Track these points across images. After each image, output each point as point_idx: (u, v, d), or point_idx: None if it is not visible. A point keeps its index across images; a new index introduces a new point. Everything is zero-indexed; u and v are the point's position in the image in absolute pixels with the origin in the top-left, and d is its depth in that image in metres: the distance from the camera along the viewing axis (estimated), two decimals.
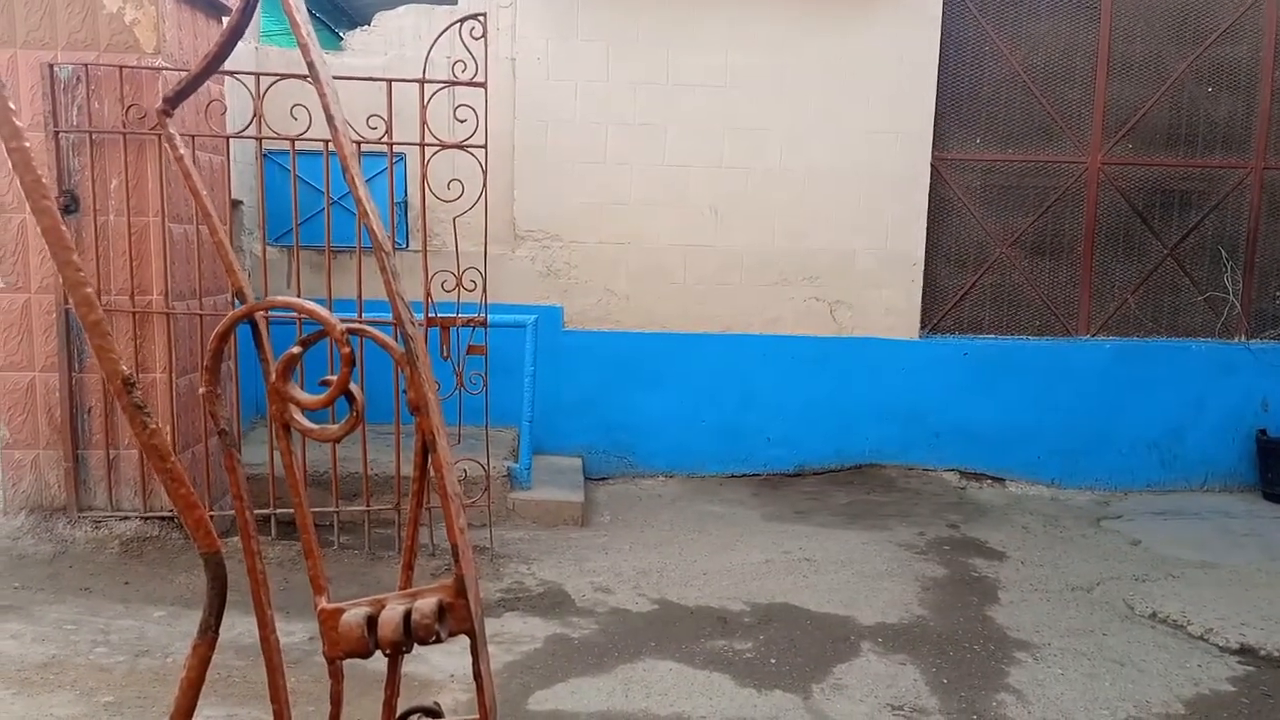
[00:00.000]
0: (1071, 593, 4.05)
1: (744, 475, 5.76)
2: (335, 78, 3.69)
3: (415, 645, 0.91)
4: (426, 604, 0.90)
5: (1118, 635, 3.62)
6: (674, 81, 5.54)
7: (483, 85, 3.99)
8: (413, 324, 0.93)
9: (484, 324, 4.09)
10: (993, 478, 5.74)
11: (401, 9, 5.64)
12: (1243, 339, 5.85)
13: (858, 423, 5.80)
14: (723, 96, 5.56)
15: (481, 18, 4.00)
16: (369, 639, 0.90)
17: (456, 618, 0.92)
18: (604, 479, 5.62)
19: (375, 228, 0.92)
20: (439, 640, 0.91)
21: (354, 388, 0.94)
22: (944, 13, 5.55)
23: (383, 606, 0.91)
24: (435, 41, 4.09)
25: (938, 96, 5.63)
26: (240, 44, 4.86)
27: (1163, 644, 3.56)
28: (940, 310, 5.85)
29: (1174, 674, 3.30)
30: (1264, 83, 5.75)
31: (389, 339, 0.98)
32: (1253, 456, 5.75)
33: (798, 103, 5.58)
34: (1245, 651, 3.50)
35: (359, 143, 4.02)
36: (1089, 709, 3.03)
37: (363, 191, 0.92)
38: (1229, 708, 3.08)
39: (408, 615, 0.89)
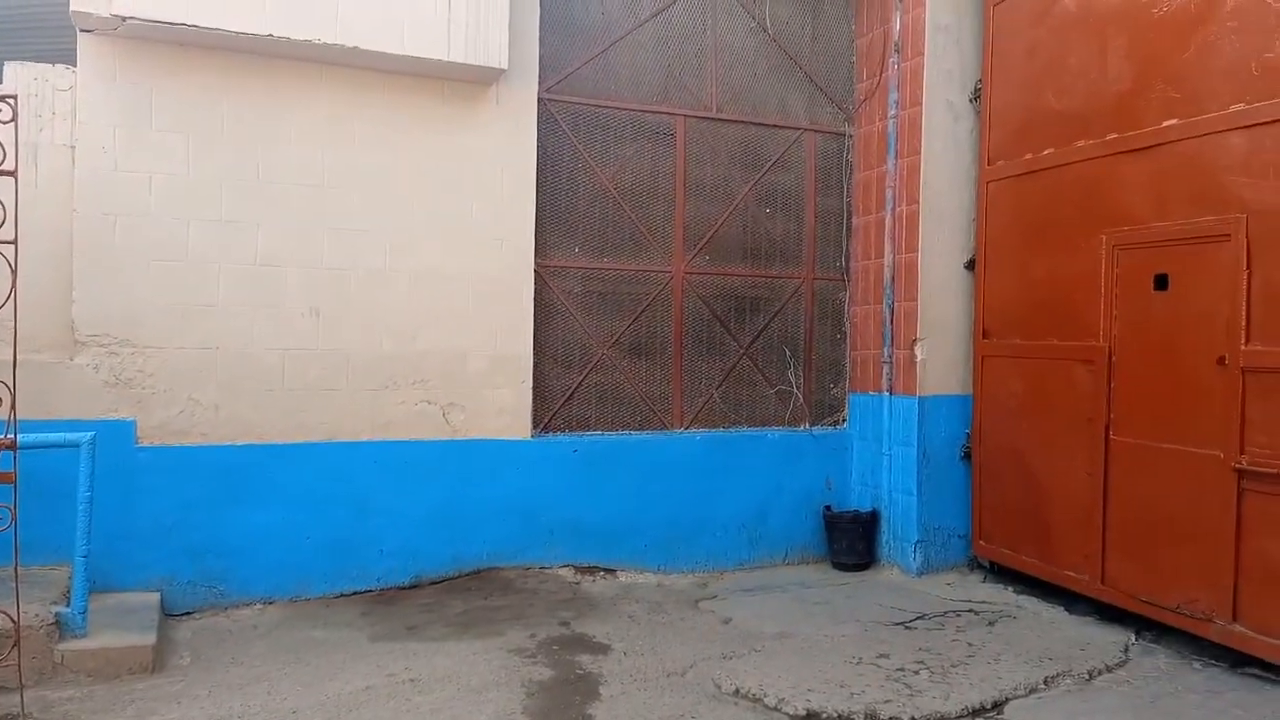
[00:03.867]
0: (668, 679, 4.22)
1: (356, 593, 5.41)
2: None
3: None
4: None
5: (705, 717, 3.81)
6: (266, 178, 5.27)
7: (12, 174, 3.48)
8: None
9: (12, 446, 3.47)
10: (605, 570, 5.93)
11: None
12: (807, 426, 6.67)
13: (476, 526, 5.73)
14: (321, 195, 5.38)
15: (11, 100, 3.51)
16: None
17: None
18: (189, 614, 4.98)
19: None
20: None
21: None
22: (539, 129, 5.88)
23: None
24: None
25: (538, 206, 5.89)
26: None
27: (742, 719, 3.80)
28: (551, 409, 6.02)
29: None
30: (809, 206, 6.73)
31: None
32: (822, 530, 6.51)
33: (403, 205, 5.56)
34: (810, 716, 3.84)
35: None
36: None
37: None
38: None
39: None
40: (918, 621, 5.10)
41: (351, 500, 5.45)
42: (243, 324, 5.22)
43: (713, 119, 6.45)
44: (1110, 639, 4.79)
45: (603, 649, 4.60)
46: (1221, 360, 4.48)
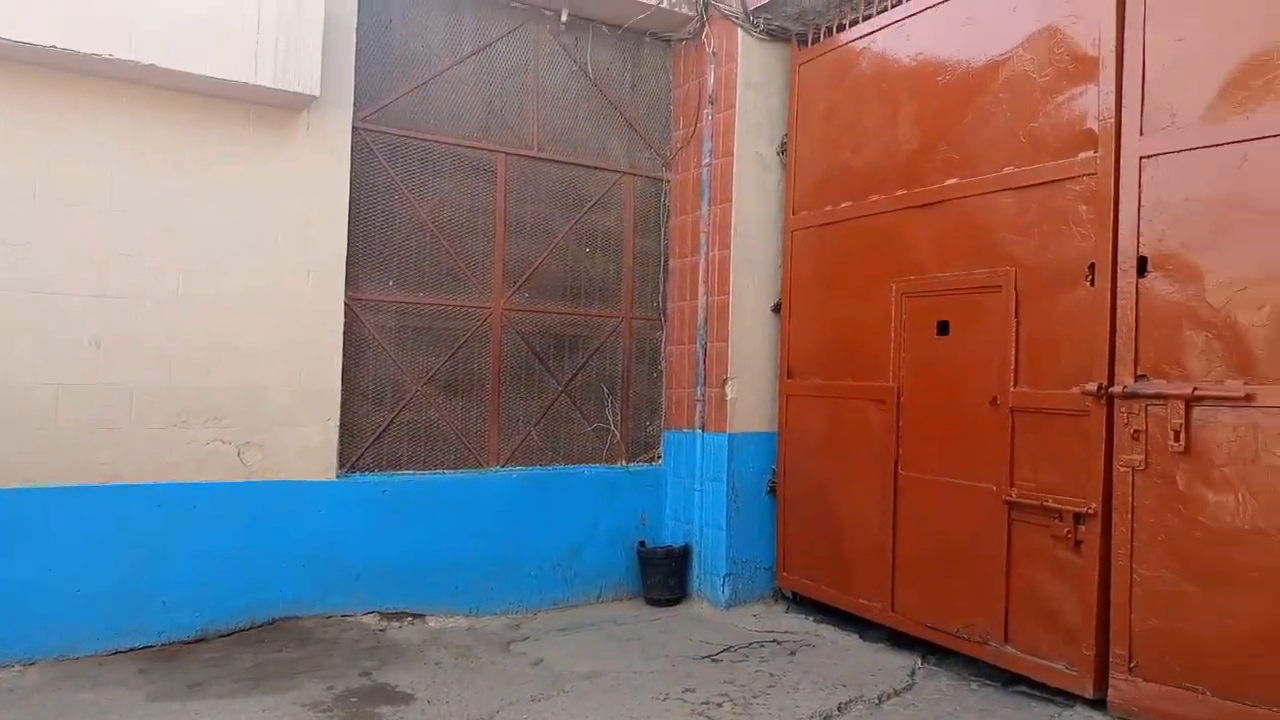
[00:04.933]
0: None
1: (134, 650, 4.98)
2: None
3: None
4: None
5: None
6: (47, 198, 4.86)
7: None
8: None
9: None
10: (414, 615, 5.73)
11: None
12: (623, 463, 6.74)
13: (272, 574, 5.41)
14: (111, 218, 5.01)
15: None
16: None
17: None
18: None
19: None
20: None
21: None
22: (354, 159, 5.73)
23: None
24: None
25: (350, 238, 5.72)
26: None
27: None
28: (359, 448, 5.81)
29: None
30: (628, 247, 6.87)
31: None
32: (637, 566, 6.57)
33: (203, 232, 5.26)
34: None
35: None
36: None
37: None
38: None
39: None
40: (724, 654, 5.22)
41: (131, 549, 5.03)
42: (11, 355, 4.76)
43: (534, 158, 6.49)
44: (899, 664, 5.06)
45: (405, 699, 4.44)
46: (994, 401, 4.87)
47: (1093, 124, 4.49)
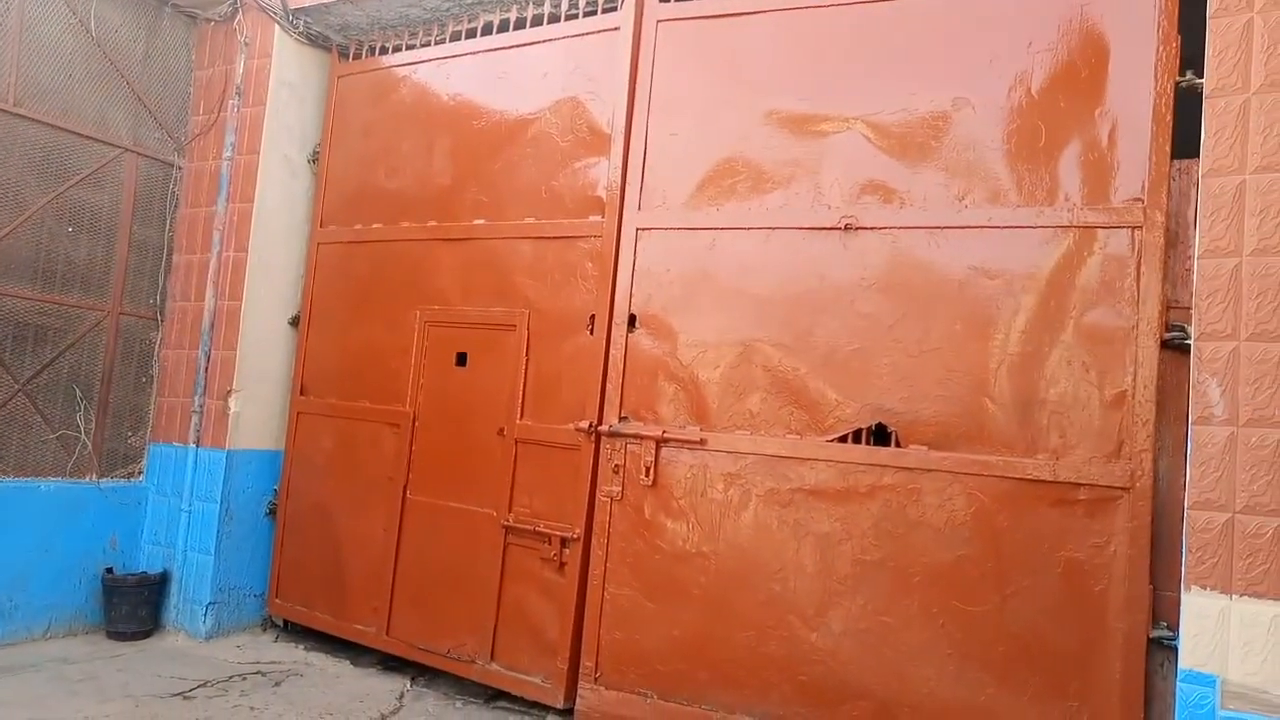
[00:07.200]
0: None
1: None
2: None
3: None
4: None
5: None
6: None
7: None
8: None
9: None
10: None
11: None
12: (94, 478, 5.90)
13: None
14: None
15: None
16: None
17: None
18: None
19: None
20: None
21: None
22: None
23: None
24: None
25: None
26: None
27: None
28: None
29: None
30: (123, 232, 6.08)
31: None
32: (100, 596, 5.77)
33: None
34: None
35: None
36: None
37: None
38: None
39: None
40: (199, 690, 4.81)
41: None
42: None
43: (8, 113, 5.46)
44: (388, 688, 5.11)
45: None
46: (501, 432, 5.20)
47: (602, 192, 5.05)
